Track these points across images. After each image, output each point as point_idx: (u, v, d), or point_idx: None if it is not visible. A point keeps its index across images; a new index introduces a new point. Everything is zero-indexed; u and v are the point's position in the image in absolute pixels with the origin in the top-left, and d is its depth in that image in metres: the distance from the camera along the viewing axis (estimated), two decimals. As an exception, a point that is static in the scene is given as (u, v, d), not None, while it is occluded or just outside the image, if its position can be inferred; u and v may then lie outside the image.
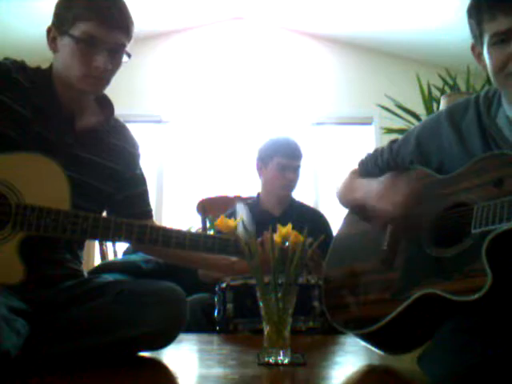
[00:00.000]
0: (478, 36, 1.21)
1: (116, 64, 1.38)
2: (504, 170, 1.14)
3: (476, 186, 1.19)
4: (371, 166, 1.51)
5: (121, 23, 1.35)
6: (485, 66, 1.22)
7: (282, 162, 2.31)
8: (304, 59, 5.12)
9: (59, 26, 1.36)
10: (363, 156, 1.57)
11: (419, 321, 1.21)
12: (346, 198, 1.54)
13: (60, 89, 1.40)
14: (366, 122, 5.03)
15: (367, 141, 4.99)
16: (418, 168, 1.39)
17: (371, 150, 1.56)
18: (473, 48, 1.26)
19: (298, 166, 2.35)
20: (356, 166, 1.57)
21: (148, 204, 1.59)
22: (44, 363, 1.21)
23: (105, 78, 1.38)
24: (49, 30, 1.39)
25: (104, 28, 1.33)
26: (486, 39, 1.18)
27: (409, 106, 3.84)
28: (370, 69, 5.05)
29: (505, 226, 1.06)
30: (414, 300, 1.17)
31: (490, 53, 1.19)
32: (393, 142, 1.49)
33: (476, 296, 1.02)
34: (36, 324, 1.24)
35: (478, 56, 1.24)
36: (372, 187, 1.40)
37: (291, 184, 2.34)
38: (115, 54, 1.36)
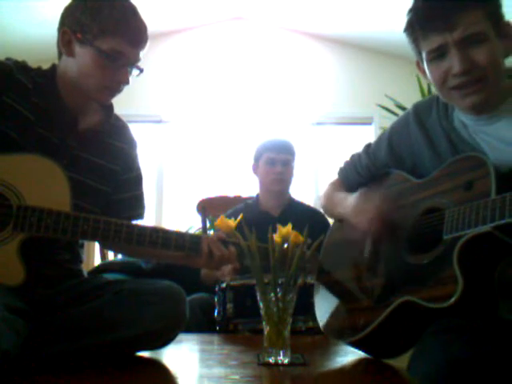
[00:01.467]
0: (417, 53, 1.24)
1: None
2: (473, 173, 1.15)
3: (448, 190, 1.21)
4: (351, 174, 1.53)
5: (144, 41, 1.38)
6: (430, 80, 1.23)
7: (270, 156, 2.37)
8: (304, 59, 5.12)
9: (81, 33, 1.33)
10: (341, 164, 1.59)
11: (404, 326, 1.22)
12: (328, 212, 1.59)
13: (64, 91, 1.40)
14: (366, 122, 5.03)
15: (367, 141, 4.96)
16: (395, 172, 1.41)
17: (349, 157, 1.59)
18: (417, 64, 1.28)
19: (288, 160, 2.38)
20: (336, 176, 1.60)
21: (138, 208, 1.58)
22: (44, 363, 1.21)
23: (119, 90, 1.41)
24: (64, 33, 1.36)
25: (131, 46, 1.35)
26: (423, 56, 1.21)
27: (409, 105, 3.82)
28: (370, 69, 5.05)
29: (473, 232, 1.06)
30: (394, 307, 1.19)
31: (429, 69, 1.21)
32: (368, 146, 1.52)
33: (449, 303, 1.03)
34: (35, 324, 1.24)
35: (423, 72, 1.25)
36: (349, 203, 1.43)
37: (281, 177, 2.36)
38: (133, 67, 1.39)
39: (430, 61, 1.19)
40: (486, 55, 1.13)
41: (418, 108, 1.38)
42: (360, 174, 1.51)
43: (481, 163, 1.13)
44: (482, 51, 1.13)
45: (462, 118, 1.25)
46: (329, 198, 1.57)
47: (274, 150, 2.38)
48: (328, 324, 1.43)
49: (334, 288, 1.45)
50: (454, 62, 1.14)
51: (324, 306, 1.45)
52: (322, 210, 2.36)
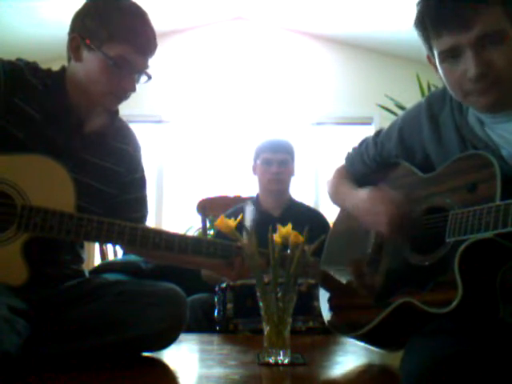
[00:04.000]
0: (428, 49, 1.16)
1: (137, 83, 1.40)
2: (477, 174, 1.11)
3: (452, 189, 1.18)
4: (358, 164, 1.50)
5: (152, 49, 1.37)
6: (441, 78, 1.17)
7: (266, 156, 2.38)
8: (304, 59, 5.12)
9: (90, 39, 1.32)
10: (349, 150, 1.55)
11: (404, 325, 1.21)
12: (335, 202, 1.55)
13: (72, 94, 1.40)
14: (366, 122, 5.03)
15: (367, 141, 4.98)
16: (402, 164, 1.37)
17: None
18: (429, 59, 1.19)
19: (285, 160, 2.38)
20: (343, 162, 1.56)
21: (142, 210, 1.58)
22: (44, 363, 1.21)
23: (126, 97, 1.40)
24: (73, 39, 1.35)
25: (139, 53, 1.34)
26: (435, 55, 1.12)
27: (409, 106, 3.83)
28: (370, 69, 5.05)
29: (475, 237, 1.04)
30: (394, 308, 1.18)
31: (442, 69, 1.13)
32: (377, 134, 1.46)
33: (448, 309, 1.02)
34: (37, 324, 1.24)
35: (435, 66, 1.17)
36: (358, 201, 1.38)
37: (277, 177, 2.37)
38: (140, 75, 1.38)
39: (442, 61, 1.11)
40: (504, 57, 1.04)
41: (431, 99, 1.31)
42: (366, 164, 1.48)
43: (487, 164, 1.09)
44: (500, 53, 1.05)
45: (478, 115, 1.18)
46: (335, 187, 1.53)
47: (270, 150, 2.39)
48: (330, 317, 1.42)
49: (337, 281, 1.44)
50: (469, 65, 1.06)
51: (327, 299, 1.45)
52: (324, 211, 2.35)
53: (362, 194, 1.38)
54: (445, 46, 1.08)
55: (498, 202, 1.03)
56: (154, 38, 1.38)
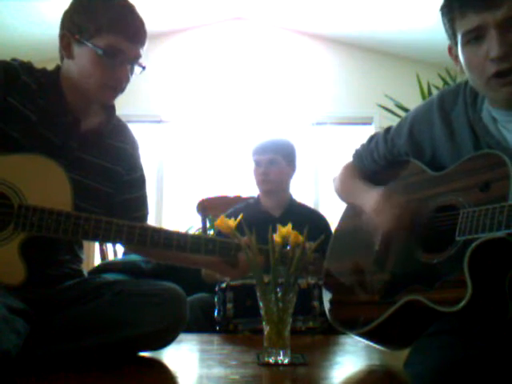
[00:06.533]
0: (451, 36, 1.15)
1: (131, 75, 1.41)
2: (491, 173, 1.11)
3: (464, 188, 1.17)
4: (367, 161, 1.49)
5: (142, 37, 1.38)
6: (462, 68, 1.16)
7: (256, 158, 2.40)
8: (304, 59, 5.12)
9: (78, 34, 1.33)
10: (358, 146, 1.54)
11: (409, 323, 1.21)
12: (344, 198, 1.54)
13: (68, 93, 1.40)
14: (366, 122, 5.03)
15: (367, 141, 4.97)
16: (413, 162, 1.36)
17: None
18: (450, 50, 1.19)
19: (273, 160, 2.36)
20: (351, 159, 1.54)
21: (144, 209, 1.58)
22: (44, 363, 1.21)
23: (121, 88, 1.40)
24: (63, 36, 1.36)
25: (129, 42, 1.35)
26: (459, 39, 1.12)
27: (409, 105, 3.83)
28: (370, 69, 5.05)
29: (486, 236, 1.04)
30: (400, 305, 1.18)
31: (464, 53, 1.12)
32: (387, 131, 1.45)
33: (457, 308, 1.02)
34: (36, 324, 1.24)
35: (456, 58, 1.17)
36: (369, 197, 1.37)
37: (264, 178, 2.36)
38: (133, 65, 1.39)
39: (465, 44, 1.10)
40: None
41: (443, 95, 1.30)
42: (376, 161, 1.46)
43: (501, 163, 1.08)
44: None
45: (493, 113, 1.18)
46: (344, 184, 1.52)
47: (258, 151, 2.39)
48: (334, 313, 1.42)
49: (343, 277, 1.44)
50: (491, 45, 1.05)
51: (331, 295, 1.45)
52: (324, 211, 2.34)
53: (375, 193, 1.37)
54: (469, 26, 1.08)
55: (510, 202, 1.02)
56: (143, 27, 1.38)
